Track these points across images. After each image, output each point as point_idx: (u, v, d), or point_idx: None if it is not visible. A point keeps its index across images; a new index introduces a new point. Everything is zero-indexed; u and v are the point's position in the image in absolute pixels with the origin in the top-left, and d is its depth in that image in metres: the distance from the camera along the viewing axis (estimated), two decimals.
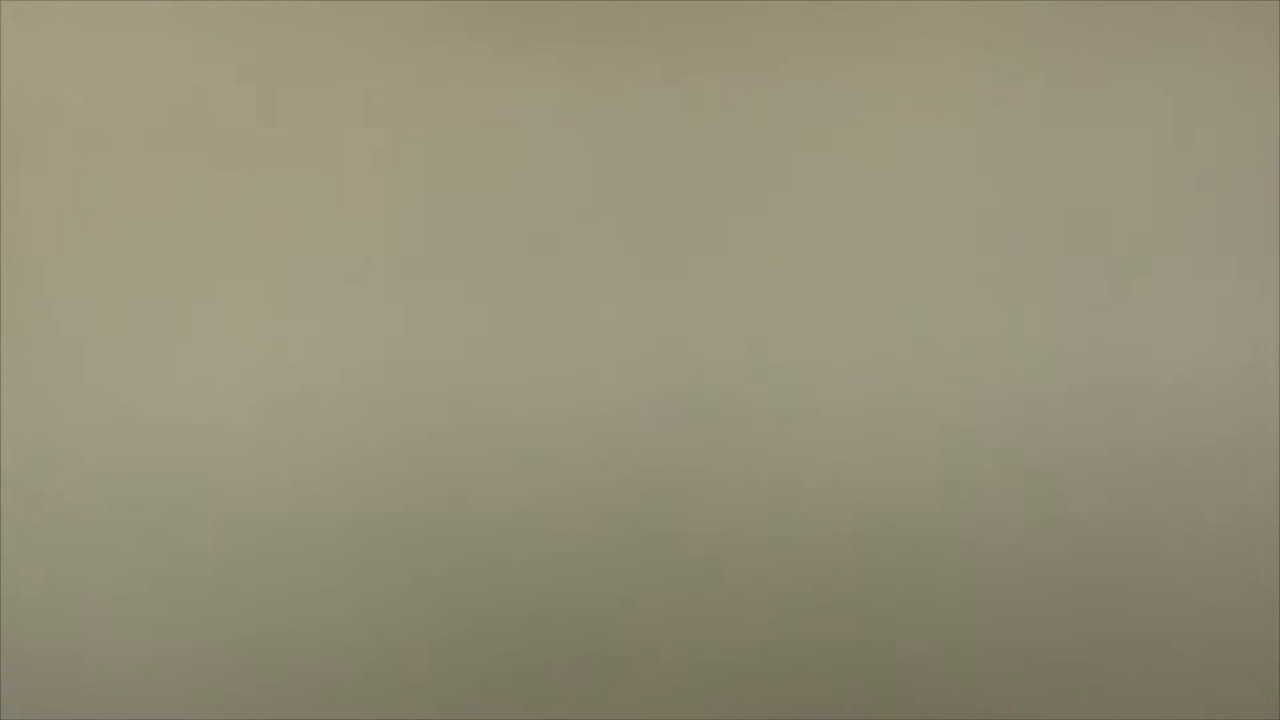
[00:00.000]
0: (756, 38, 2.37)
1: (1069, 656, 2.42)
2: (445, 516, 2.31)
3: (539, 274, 2.33)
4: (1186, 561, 2.44)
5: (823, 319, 2.38)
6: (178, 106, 2.25)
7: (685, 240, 2.36)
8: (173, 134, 2.25)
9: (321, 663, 2.28)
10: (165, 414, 2.25)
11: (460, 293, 2.31)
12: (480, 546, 2.32)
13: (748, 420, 2.37)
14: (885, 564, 2.39)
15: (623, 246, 2.35)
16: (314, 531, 2.28)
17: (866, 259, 2.39)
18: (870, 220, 2.39)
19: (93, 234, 2.23)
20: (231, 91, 2.26)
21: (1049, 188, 2.42)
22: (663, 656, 2.35)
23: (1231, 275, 2.44)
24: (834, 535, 2.38)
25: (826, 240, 2.39)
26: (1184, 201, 2.44)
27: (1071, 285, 2.42)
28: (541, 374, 2.33)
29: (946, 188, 2.41)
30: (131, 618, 2.24)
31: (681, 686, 2.35)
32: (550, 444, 2.33)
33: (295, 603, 2.28)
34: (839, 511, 2.38)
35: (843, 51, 2.39)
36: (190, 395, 2.25)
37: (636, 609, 2.35)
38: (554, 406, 2.33)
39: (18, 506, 2.21)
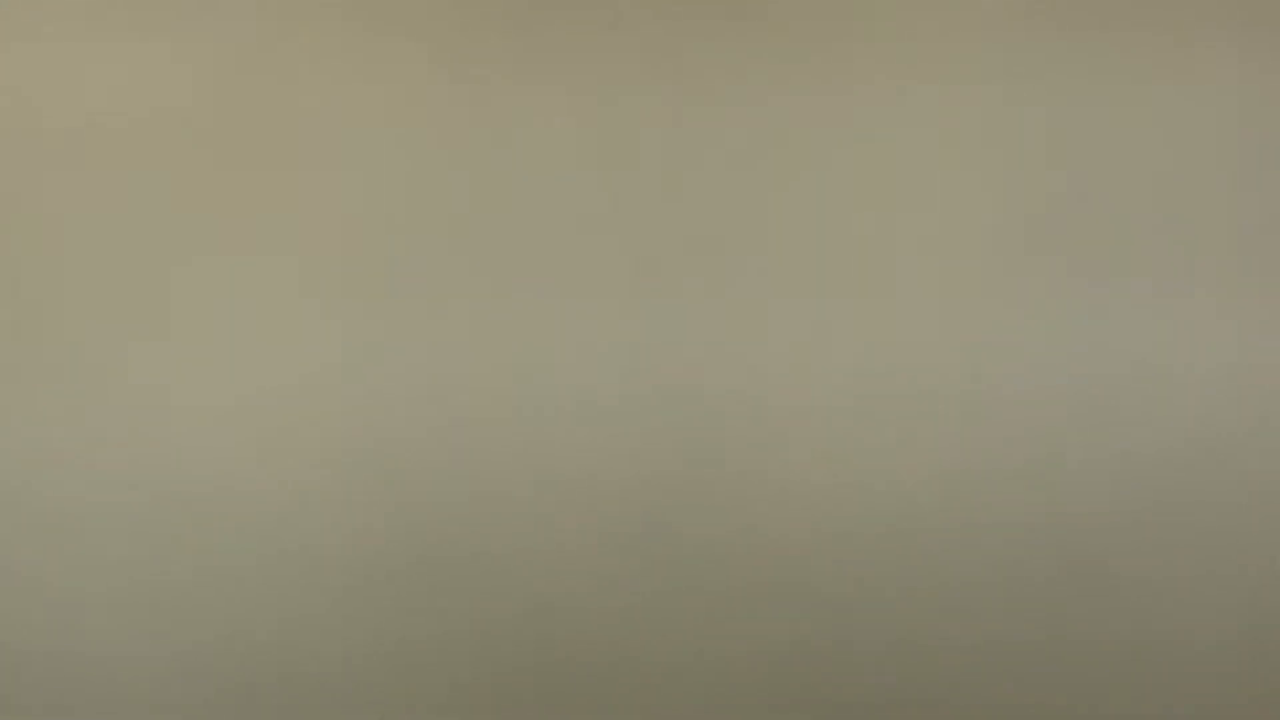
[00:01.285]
0: (755, 44, 2.38)
1: (1069, 655, 2.42)
2: (442, 516, 2.31)
3: (538, 277, 2.33)
4: (1186, 560, 2.44)
5: (820, 323, 2.38)
6: (178, 109, 2.26)
7: (683, 245, 2.36)
8: (172, 136, 2.26)
9: (318, 663, 2.28)
10: (164, 412, 2.25)
11: (460, 295, 2.32)
12: (476, 547, 2.32)
13: (745, 422, 2.37)
14: (884, 564, 2.39)
15: (621, 251, 2.35)
16: (310, 531, 2.28)
17: (863, 264, 2.39)
18: (867, 225, 2.40)
19: (92, 234, 2.24)
20: (233, 96, 2.27)
21: (1048, 190, 2.42)
22: (660, 656, 2.35)
23: (1233, 275, 2.44)
24: (832, 536, 2.38)
25: (824, 245, 2.39)
26: (1184, 201, 2.44)
27: (1070, 286, 2.42)
28: (541, 376, 2.33)
29: (945, 191, 2.41)
30: (126, 618, 2.24)
31: (679, 685, 2.36)
32: (548, 445, 2.33)
33: (292, 603, 2.28)
34: (836, 513, 2.38)
35: (842, 55, 2.39)
36: (189, 395, 2.25)
37: (634, 608, 2.35)
38: (552, 408, 2.33)
39: (13, 506, 2.21)
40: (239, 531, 2.27)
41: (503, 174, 2.33)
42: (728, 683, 2.37)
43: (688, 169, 2.36)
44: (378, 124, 2.30)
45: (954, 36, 2.41)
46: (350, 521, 2.29)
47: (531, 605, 2.33)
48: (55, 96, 2.23)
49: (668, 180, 2.36)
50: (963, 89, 2.41)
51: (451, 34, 2.32)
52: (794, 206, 2.39)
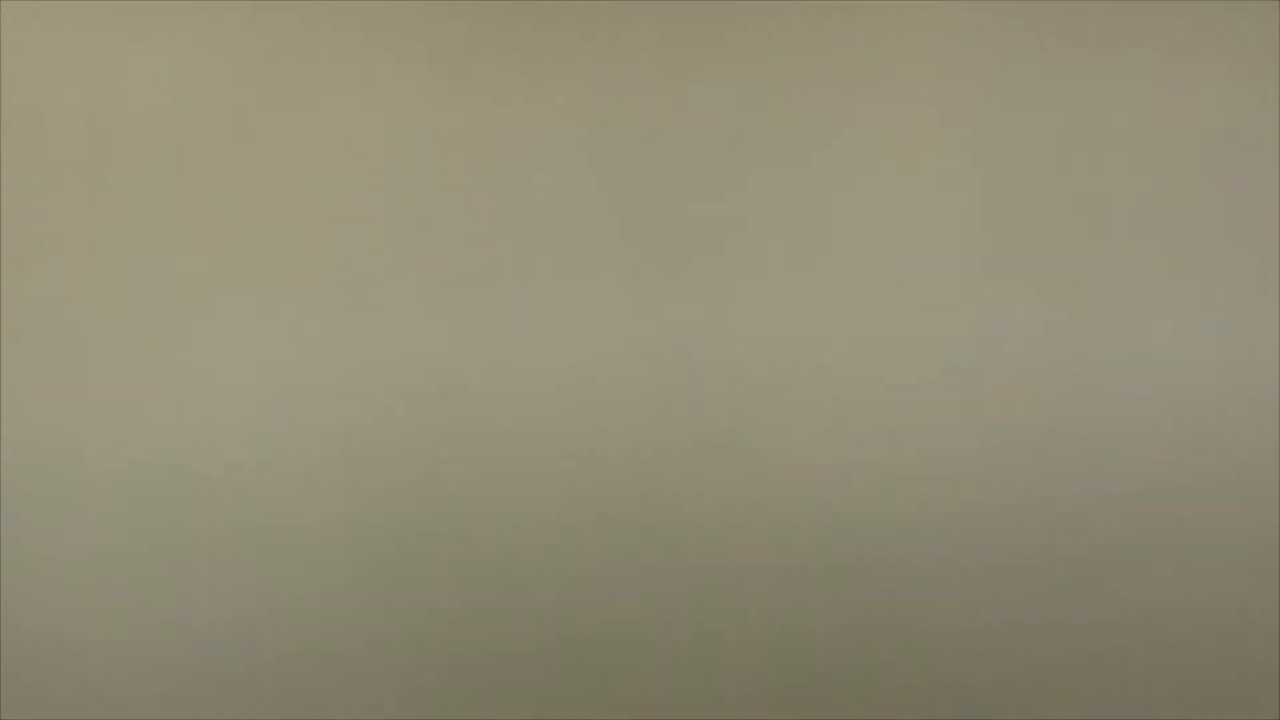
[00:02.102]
0: (755, 43, 2.38)
1: (1065, 654, 2.45)
2: (444, 517, 2.32)
3: (537, 278, 2.34)
4: (1183, 562, 2.47)
5: (819, 313, 2.40)
6: (182, 111, 2.24)
7: (683, 242, 2.37)
8: (176, 141, 2.24)
9: (322, 662, 2.29)
10: (169, 420, 2.25)
11: (461, 298, 2.32)
12: (480, 532, 2.32)
13: (744, 416, 2.38)
14: (882, 563, 2.41)
15: (621, 252, 2.36)
16: (313, 532, 2.28)
17: (862, 260, 2.41)
18: (866, 222, 2.41)
19: (97, 240, 2.22)
20: (237, 100, 2.26)
21: (1047, 188, 2.44)
22: (659, 638, 2.37)
23: (1231, 278, 2.47)
24: (830, 536, 2.40)
25: (823, 241, 2.40)
26: (1183, 205, 2.47)
27: (1062, 278, 2.45)
28: (543, 377, 2.33)
29: (943, 188, 2.42)
30: (131, 618, 2.24)
31: (679, 667, 2.38)
32: (550, 444, 2.34)
33: (298, 605, 2.28)
34: (834, 510, 2.40)
35: (840, 54, 2.40)
36: (193, 402, 2.25)
37: (635, 606, 2.37)
38: (554, 407, 2.34)
39: (19, 511, 2.21)
40: (240, 532, 2.27)
41: (505, 177, 2.33)
42: (728, 665, 2.38)
43: (686, 168, 2.37)
44: (379, 126, 2.29)
45: (952, 38, 2.42)
46: (354, 521, 2.29)
47: (532, 602, 2.34)
48: (64, 100, 2.21)
49: (666, 179, 2.37)
50: (961, 89, 2.42)
51: (450, 37, 2.31)
52: (792, 202, 2.39)
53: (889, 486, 2.41)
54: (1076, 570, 2.45)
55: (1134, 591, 2.46)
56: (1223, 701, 2.48)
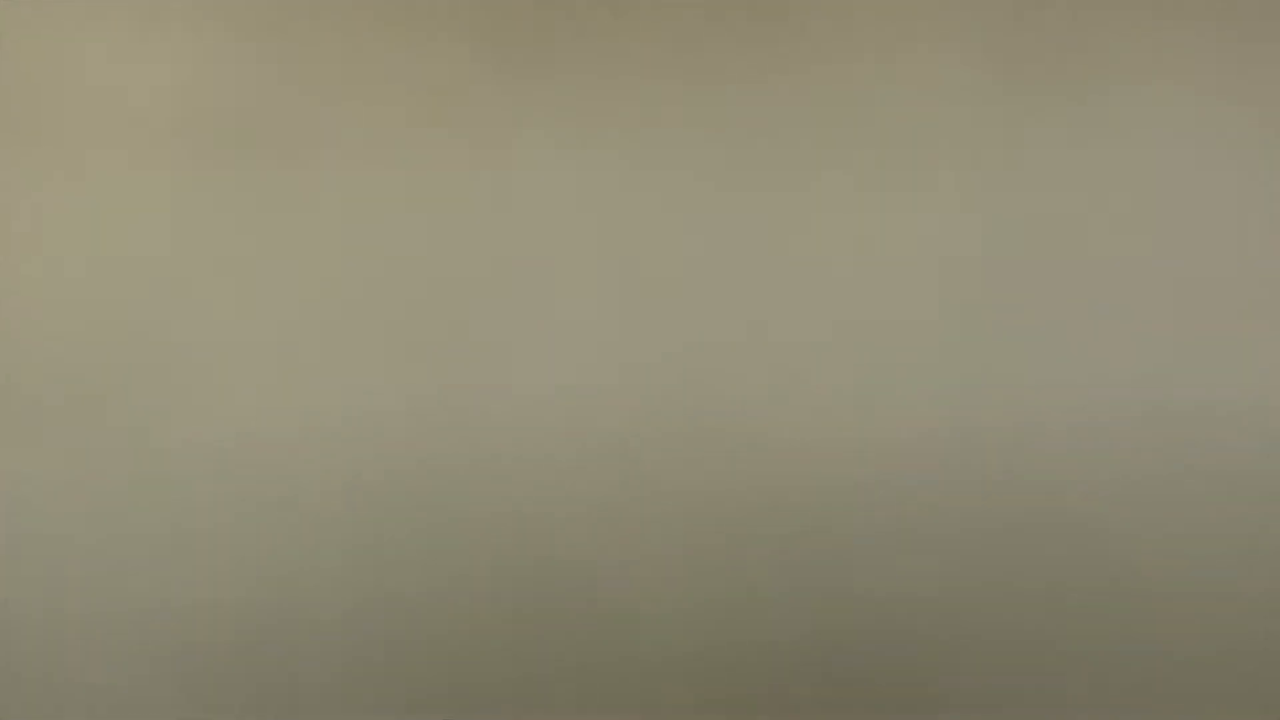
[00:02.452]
0: (749, 69, 2.40)
1: (1057, 640, 2.45)
2: (448, 526, 2.33)
3: (543, 295, 2.35)
4: (1185, 572, 2.46)
5: (816, 340, 2.41)
6: (198, 123, 2.27)
7: (681, 254, 2.38)
8: (183, 152, 2.27)
9: (326, 661, 2.30)
10: (181, 435, 2.27)
11: (462, 301, 2.33)
12: (478, 542, 2.33)
13: (738, 425, 2.39)
14: (876, 569, 2.41)
15: (624, 276, 2.37)
16: (318, 540, 2.29)
17: (858, 280, 2.41)
18: (862, 238, 2.42)
19: (108, 257, 2.25)
20: (240, 109, 2.28)
21: (1044, 208, 2.44)
22: (659, 654, 2.37)
23: (1244, 299, 2.47)
24: (826, 547, 2.40)
25: (821, 262, 2.41)
26: (1180, 220, 2.46)
27: (1062, 305, 2.45)
28: (544, 393, 2.35)
29: (939, 211, 2.43)
30: (136, 619, 2.26)
31: (677, 673, 2.38)
32: (548, 443, 2.35)
33: (300, 603, 2.30)
34: (831, 525, 2.40)
35: (836, 81, 2.41)
36: (196, 401, 2.27)
37: (631, 595, 2.37)
38: (553, 407, 2.35)
39: (28, 525, 2.23)
40: (248, 533, 2.29)
41: (513, 195, 2.34)
42: (729, 686, 2.39)
43: (685, 178, 2.38)
44: (382, 154, 2.31)
45: (945, 54, 2.43)
46: (362, 528, 2.31)
47: (532, 584, 2.34)
48: (70, 102, 2.24)
49: (665, 191, 2.38)
50: (957, 111, 2.43)
51: (455, 62, 2.34)
52: (786, 221, 2.40)
53: (886, 484, 2.41)
54: (1069, 561, 2.45)
55: (1128, 586, 2.45)
56: (1216, 694, 2.47)
